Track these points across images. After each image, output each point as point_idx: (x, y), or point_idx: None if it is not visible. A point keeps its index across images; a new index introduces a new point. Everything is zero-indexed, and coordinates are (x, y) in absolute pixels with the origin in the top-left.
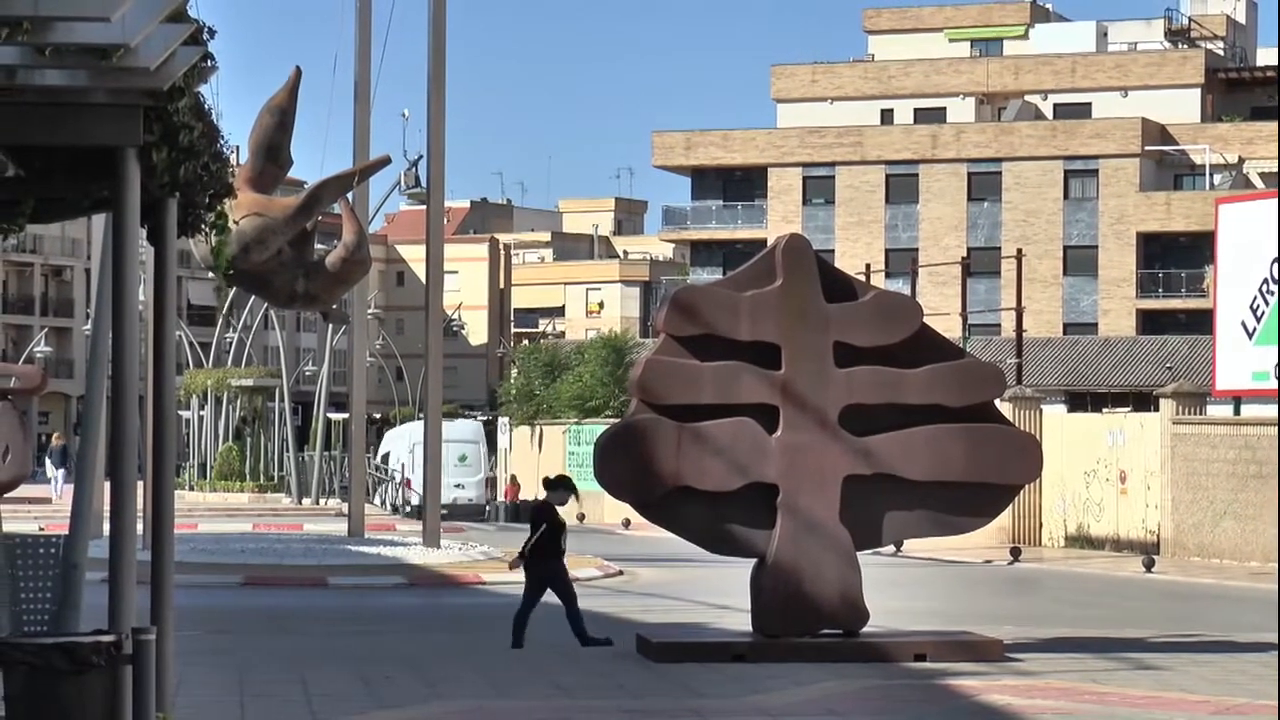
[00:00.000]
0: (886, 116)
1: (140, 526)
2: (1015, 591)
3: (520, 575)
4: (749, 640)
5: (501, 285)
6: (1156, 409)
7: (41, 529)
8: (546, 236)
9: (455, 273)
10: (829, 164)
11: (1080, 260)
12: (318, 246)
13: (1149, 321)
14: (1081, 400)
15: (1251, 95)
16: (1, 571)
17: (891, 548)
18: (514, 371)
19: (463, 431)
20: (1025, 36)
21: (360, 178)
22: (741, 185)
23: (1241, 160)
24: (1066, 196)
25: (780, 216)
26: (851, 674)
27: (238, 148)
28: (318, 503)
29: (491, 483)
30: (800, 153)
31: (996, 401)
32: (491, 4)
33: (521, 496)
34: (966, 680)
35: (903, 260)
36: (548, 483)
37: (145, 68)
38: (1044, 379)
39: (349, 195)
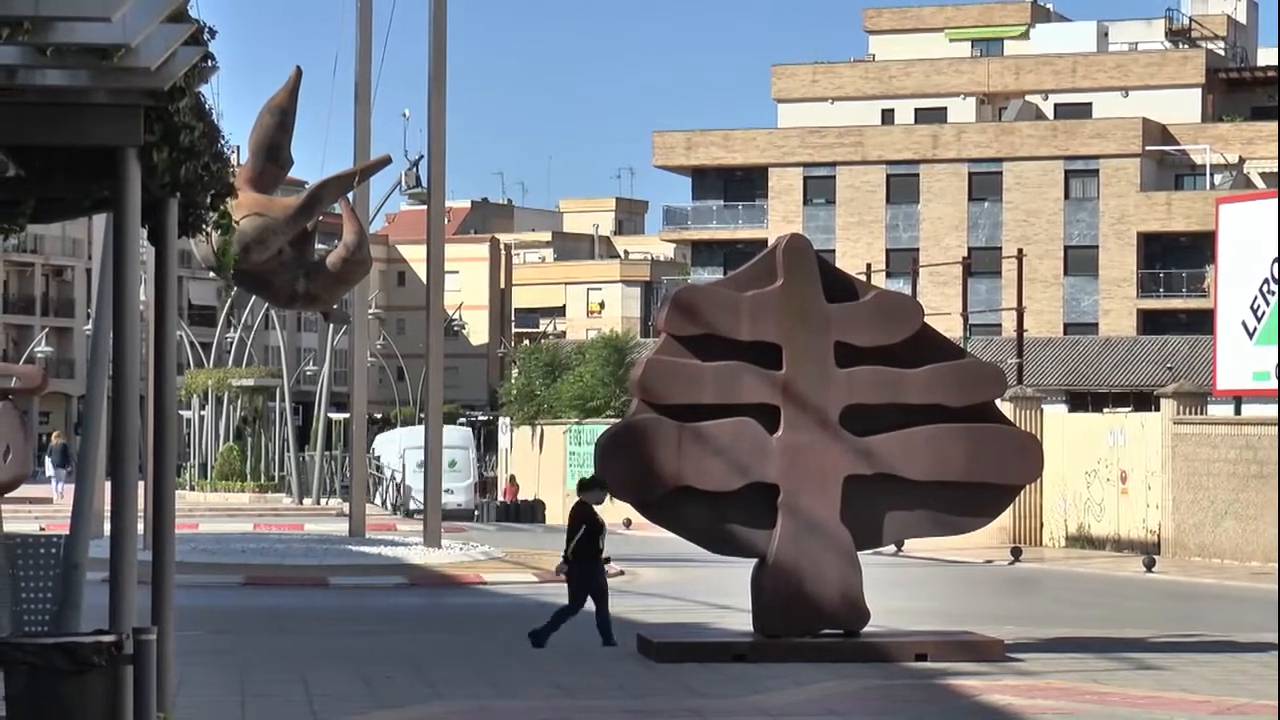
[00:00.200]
0: (887, 116)
1: (141, 526)
2: (1016, 591)
3: (520, 576)
4: (750, 640)
5: (502, 285)
6: (1157, 409)
7: (42, 529)
8: (547, 236)
9: (456, 273)
10: (830, 164)
11: (1081, 260)
12: (318, 246)
13: (1150, 321)
14: (1082, 400)
15: (1252, 95)
16: (2, 571)
17: (892, 547)
18: (515, 371)
19: (452, 438)
20: (1026, 36)
21: (361, 178)
22: (742, 185)
23: (1242, 160)
24: (1067, 196)
25: (781, 216)
26: (852, 674)
27: (238, 148)
28: (318, 503)
29: (487, 486)
30: (801, 153)
31: (997, 401)
32: (492, 4)
33: (520, 496)
34: (967, 680)
35: (903, 260)
36: (583, 484)
37: (146, 68)
38: (1045, 379)
39: (349, 195)
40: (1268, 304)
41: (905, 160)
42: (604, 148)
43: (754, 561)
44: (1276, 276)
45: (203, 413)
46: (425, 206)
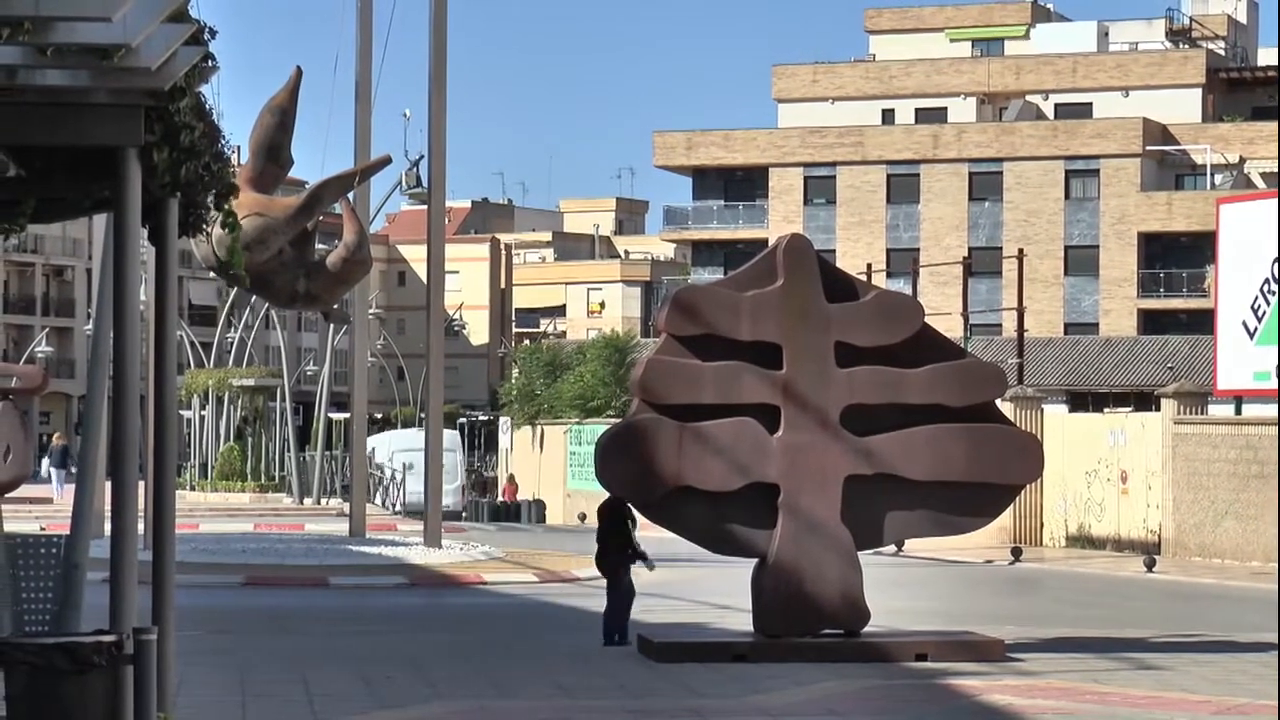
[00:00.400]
0: (888, 116)
1: (141, 526)
2: (1016, 591)
3: (520, 576)
4: (750, 640)
5: (502, 285)
6: (1158, 409)
7: (43, 529)
8: (547, 236)
9: (456, 273)
10: (830, 164)
11: (1081, 260)
12: (318, 246)
13: (1150, 321)
14: (1083, 400)
15: (1252, 95)
16: (3, 571)
17: (893, 547)
18: (515, 371)
19: None
20: (1026, 36)
21: (361, 178)
22: (743, 185)
23: (1242, 160)
24: (1068, 196)
25: (781, 216)
26: (852, 674)
27: (239, 148)
28: (319, 503)
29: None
30: (801, 153)
31: (998, 401)
32: (492, 4)
33: (519, 496)
34: (968, 680)
35: (904, 260)
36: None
37: (146, 68)
38: (1045, 379)
39: (350, 195)
40: (1268, 304)
41: (906, 160)
42: (604, 147)
43: (754, 561)
44: (1277, 276)
45: (203, 413)
46: (425, 206)
